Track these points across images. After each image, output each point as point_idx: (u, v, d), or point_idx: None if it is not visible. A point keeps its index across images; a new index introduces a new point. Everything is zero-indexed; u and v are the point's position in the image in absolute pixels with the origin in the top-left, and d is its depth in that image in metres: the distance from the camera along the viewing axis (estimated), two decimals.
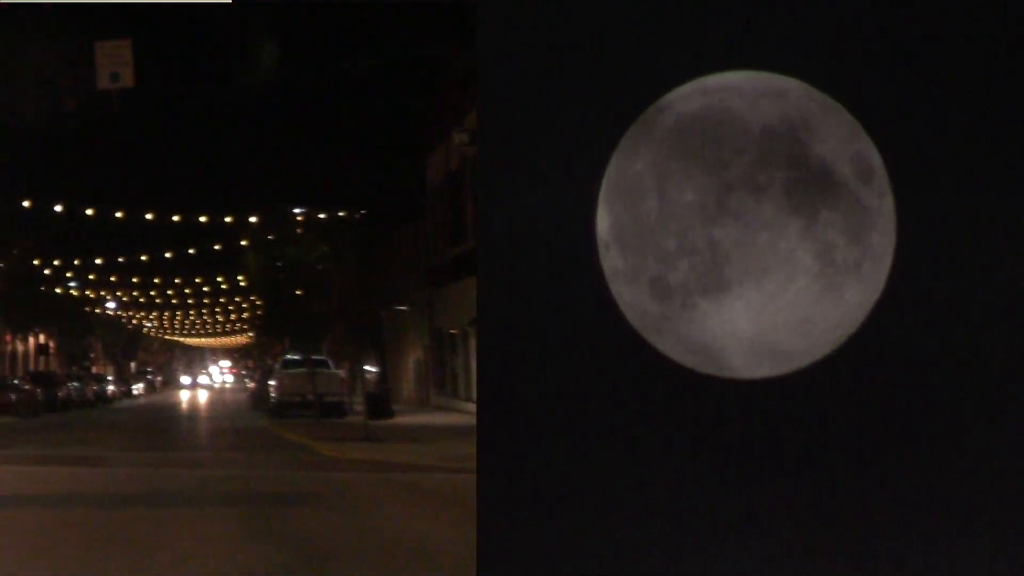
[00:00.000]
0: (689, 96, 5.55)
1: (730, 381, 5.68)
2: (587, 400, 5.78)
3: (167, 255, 56.60)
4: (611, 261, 5.63)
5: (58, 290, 64.54)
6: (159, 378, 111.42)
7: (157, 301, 77.67)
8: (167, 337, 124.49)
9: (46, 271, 59.11)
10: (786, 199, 5.29)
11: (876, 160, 5.41)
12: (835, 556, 5.71)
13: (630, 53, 5.70)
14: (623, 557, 5.79)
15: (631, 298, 5.62)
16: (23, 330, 64.06)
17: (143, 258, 58.02)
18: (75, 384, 55.97)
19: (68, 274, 62.41)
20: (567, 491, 5.81)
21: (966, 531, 5.60)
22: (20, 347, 66.64)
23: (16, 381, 48.31)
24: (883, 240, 5.42)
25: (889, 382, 5.61)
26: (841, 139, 5.38)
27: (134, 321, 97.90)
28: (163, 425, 38.02)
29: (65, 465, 19.68)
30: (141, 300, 77.30)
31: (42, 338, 68.80)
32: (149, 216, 47.19)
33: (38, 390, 46.55)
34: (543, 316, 5.81)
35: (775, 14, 5.64)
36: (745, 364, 5.59)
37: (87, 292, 70.85)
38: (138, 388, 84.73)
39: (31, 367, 63.73)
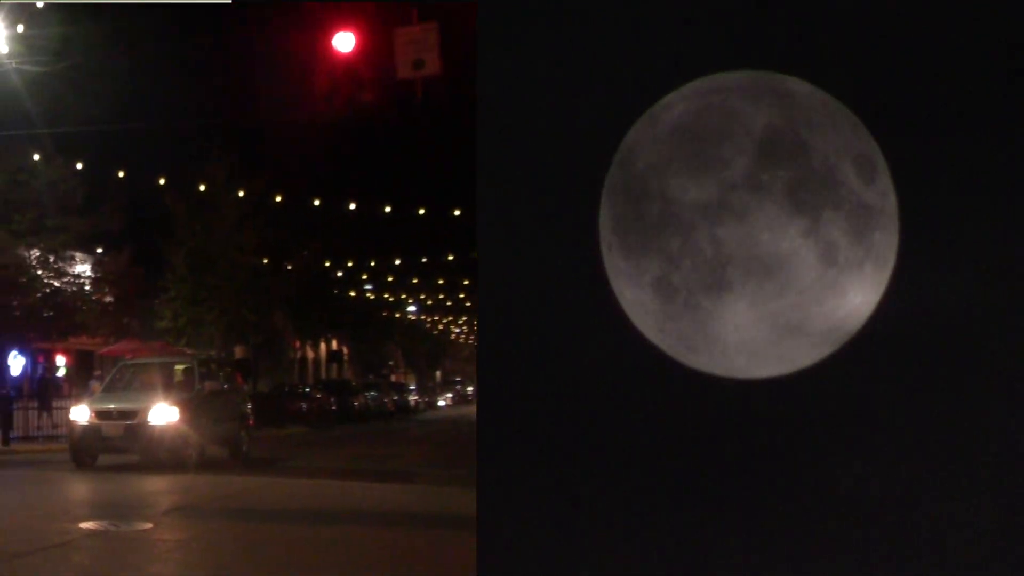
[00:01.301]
0: (690, 96, 5.54)
1: (731, 381, 5.67)
2: (588, 400, 5.76)
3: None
4: (613, 261, 5.61)
5: (352, 293, 59.20)
6: (469, 388, 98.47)
7: (467, 304, 70.47)
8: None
9: (338, 273, 54.03)
10: (788, 198, 5.28)
11: (879, 159, 5.41)
12: (836, 557, 5.70)
13: (631, 53, 5.69)
14: (624, 556, 5.77)
15: (633, 298, 5.61)
16: (313, 336, 58.48)
17: (450, 258, 52.81)
18: (372, 393, 51.82)
19: (363, 276, 57.15)
20: (567, 491, 5.79)
21: (967, 531, 5.60)
22: (311, 354, 61.34)
23: (307, 390, 44.95)
24: (886, 240, 5.41)
25: (890, 382, 5.61)
26: (844, 138, 5.37)
27: (439, 326, 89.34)
28: (473, 440, 35.60)
29: (368, 480, 18.55)
30: (448, 303, 70.60)
31: (335, 344, 63.53)
32: (456, 212, 42.40)
33: (331, 399, 43.25)
34: (543, 316, 5.79)
35: (775, 14, 5.63)
36: (747, 364, 5.58)
37: (385, 295, 64.78)
38: (445, 399, 76.93)
39: (323, 375, 59.04)
